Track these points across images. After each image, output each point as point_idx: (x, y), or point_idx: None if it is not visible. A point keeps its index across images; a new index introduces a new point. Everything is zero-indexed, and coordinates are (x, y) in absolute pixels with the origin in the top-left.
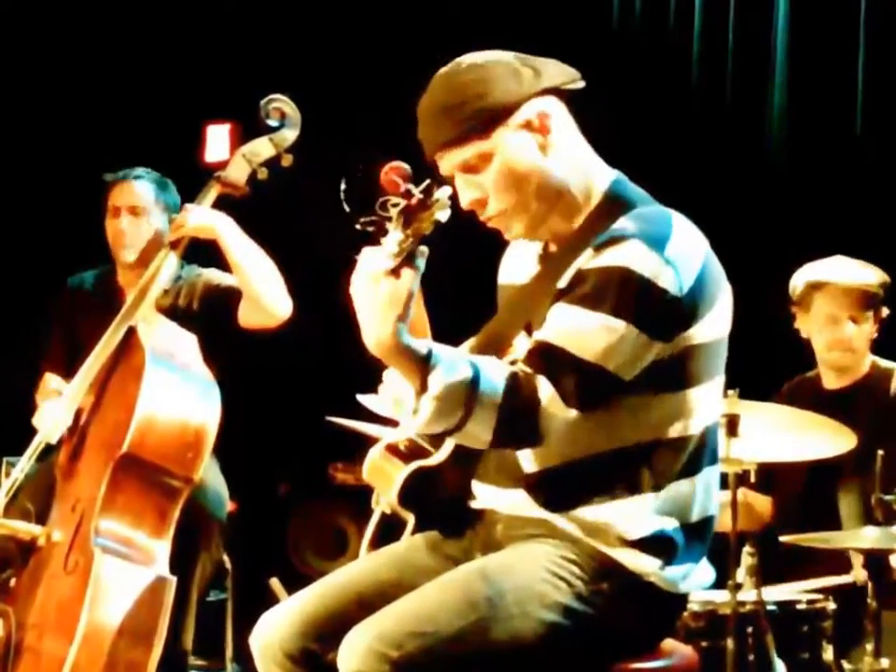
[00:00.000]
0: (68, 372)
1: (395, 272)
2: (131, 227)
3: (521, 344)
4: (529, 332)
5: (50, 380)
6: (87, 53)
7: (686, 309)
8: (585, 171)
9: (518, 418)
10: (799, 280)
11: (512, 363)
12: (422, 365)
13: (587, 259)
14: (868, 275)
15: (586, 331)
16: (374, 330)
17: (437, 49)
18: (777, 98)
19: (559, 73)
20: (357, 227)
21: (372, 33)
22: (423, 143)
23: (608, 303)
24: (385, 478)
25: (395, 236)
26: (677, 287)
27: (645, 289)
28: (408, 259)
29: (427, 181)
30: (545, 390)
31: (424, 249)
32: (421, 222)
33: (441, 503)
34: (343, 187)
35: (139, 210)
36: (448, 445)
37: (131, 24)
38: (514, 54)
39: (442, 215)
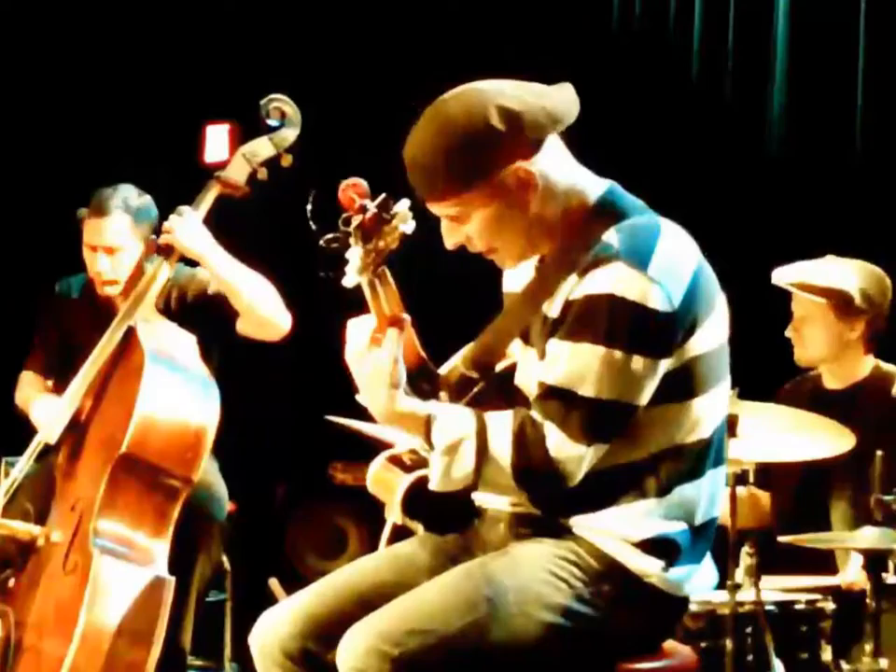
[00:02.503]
0: (48, 375)
1: (378, 337)
2: (110, 265)
3: (516, 351)
4: (525, 339)
5: (33, 381)
6: (86, 54)
7: (680, 323)
8: (575, 191)
9: (533, 469)
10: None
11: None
12: (424, 426)
13: (574, 286)
14: (838, 278)
15: (583, 367)
16: (373, 403)
17: (437, 48)
18: (777, 98)
19: (542, 119)
20: (322, 244)
21: (373, 32)
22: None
23: (600, 334)
24: (388, 489)
25: (356, 252)
26: (667, 303)
27: (635, 313)
28: (392, 324)
29: (383, 195)
30: (552, 438)
31: (407, 317)
32: (383, 236)
33: (445, 512)
34: (308, 206)
35: (115, 248)
36: None
37: (130, 25)
38: (498, 100)
39: (407, 227)
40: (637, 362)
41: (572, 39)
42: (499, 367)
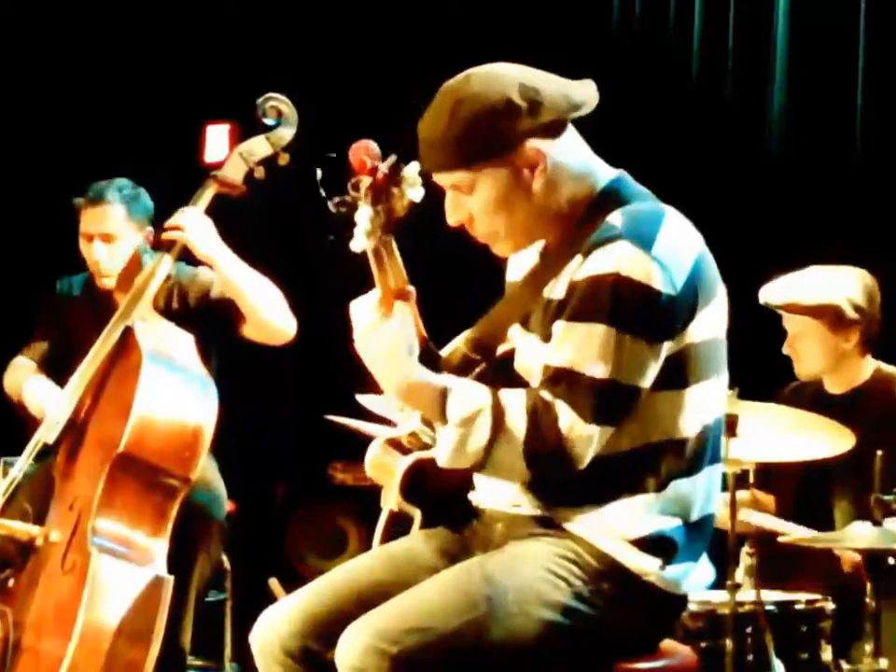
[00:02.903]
0: (43, 367)
1: (385, 305)
2: (107, 254)
3: (516, 336)
4: (525, 325)
5: (26, 365)
6: (87, 53)
7: (681, 307)
8: (584, 181)
9: (545, 449)
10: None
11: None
12: (439, 398)
13: (578, 267)
14: (825, 292)
15: (589, 347)
16: (386, 377)
17: (437, 49)
18: (777, 98)
19: (561, 103)
20: (331, 208)
21: (373, 32)
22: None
23: (606, 314)
24: (387, 472)
25: (365, 212)
26: (670, 285)
27: (640, 294)
28: (397, 294)
29: (393, 156)
30: (564, 418)
31: (412, 290)
32: (392, 199)
33: (444, 497)
34: (318, 173)
35: (112, 236)
36: None
37: (130, 25)
38: (519, 79)
39: (415, 194)
40: (642, 343)
41: (572, 39)
42: (500, 351)
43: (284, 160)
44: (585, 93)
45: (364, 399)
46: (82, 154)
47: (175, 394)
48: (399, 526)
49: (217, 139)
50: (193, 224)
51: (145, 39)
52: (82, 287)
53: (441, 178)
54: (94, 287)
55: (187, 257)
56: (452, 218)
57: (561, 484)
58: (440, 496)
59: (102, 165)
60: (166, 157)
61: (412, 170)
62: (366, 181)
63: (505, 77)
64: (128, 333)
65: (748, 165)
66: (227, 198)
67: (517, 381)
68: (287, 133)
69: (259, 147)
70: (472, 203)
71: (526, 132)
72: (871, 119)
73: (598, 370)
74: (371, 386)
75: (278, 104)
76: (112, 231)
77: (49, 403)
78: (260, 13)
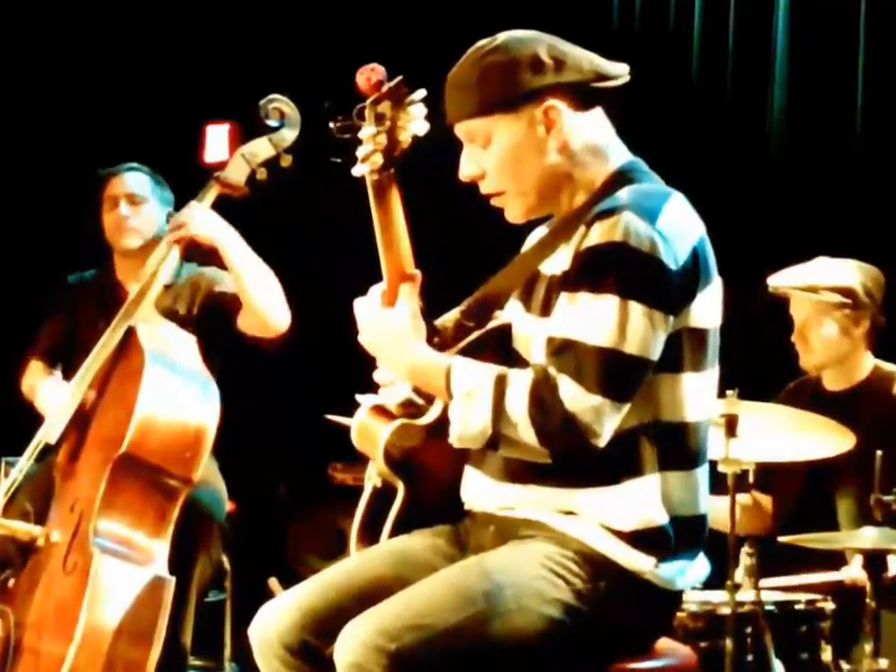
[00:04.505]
0: (53, 364)
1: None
2: (132, 212)
3: (513, 313)
4: (524, 301)
5: (41, 370)
6: (87, 53)
7: (681, 283)
8: (599, 155)
9: (550, 424)
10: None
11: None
12: (445, 376)
13: (582, 237)
14: (841, 275)
15: (595, 317)
16: (396, 362)
17: (438, 47)
18: (778, 98)
19: (587, 67)
20: (334, 131)
21: (374, 32)
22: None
23: (609, 283)
24: (372, 440)
25: (367, 131)
26: (671, 259)
27: (644, 263)
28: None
29: (399, 77)
30: (566, 391)
31: (418, 273)
32: (395, 123)
33: (431, 472)
34: (326, 104)
35: (137, 199)
36: (437, 406)
37: (131, 24)
38: (550, 42)
39: (418, 125)
40: (647, 312)
41: (572, 39)
42: (493, 323)
43: (286, 161)
44: (615, 68)
45: (365, 400)
46: (82, 153)
47: (177, 395)
48: (380, 505)
49: (217, 139)
50: (195, 218)
51: (145, 39)
52: (93, 279)
53: (460, 129)
54: (104, 279)
55: (192, 257)
56: (464, 171)
57: (582, 453)
58: (426, 469)
59: (102, 165)
60: (166, 157)
61: (417, 96)
62: (370, 100)
63: (536, 39)
64: (130, 334)
65: (748, 165)
66: (229, 199)
67: (509, 352)
68: (289, 135)
69: (261, 148)
70: (486, 156)
71: (547, 86)
72: (871, 118)
73: (602, 339)
74: (372, 386)
75: (281, 105)
76: (138, 192)
77: (53, 404)
78: (260, 13)
